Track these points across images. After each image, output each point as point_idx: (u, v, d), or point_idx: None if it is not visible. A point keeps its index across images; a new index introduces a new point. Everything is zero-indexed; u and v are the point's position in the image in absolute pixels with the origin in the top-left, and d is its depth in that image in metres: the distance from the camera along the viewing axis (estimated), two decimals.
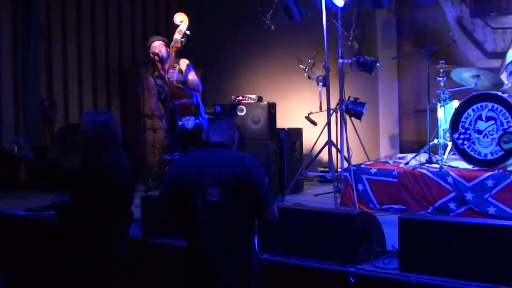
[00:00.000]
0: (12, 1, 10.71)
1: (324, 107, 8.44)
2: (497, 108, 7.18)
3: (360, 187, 7.84)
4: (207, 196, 4.00)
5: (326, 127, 8.24)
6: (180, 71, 7.67)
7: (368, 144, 9.45)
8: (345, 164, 8.16)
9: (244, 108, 9.09)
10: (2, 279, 7.15)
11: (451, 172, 7.24)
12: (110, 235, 4.74)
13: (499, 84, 7.72)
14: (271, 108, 9.17)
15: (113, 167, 4.71)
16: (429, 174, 7.41)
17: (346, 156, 8.15)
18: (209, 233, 4.02)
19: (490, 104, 7.25)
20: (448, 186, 7.22)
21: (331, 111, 8.30)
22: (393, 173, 7.67)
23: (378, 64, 8.57)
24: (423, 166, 7.63)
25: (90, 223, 4.65)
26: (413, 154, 8.25)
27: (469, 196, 7.04)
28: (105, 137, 4.80)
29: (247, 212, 4.09)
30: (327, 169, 8.82)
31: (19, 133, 10.65)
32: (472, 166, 7.38)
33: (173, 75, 7.55)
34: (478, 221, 5.23)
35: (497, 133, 7.16)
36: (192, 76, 7.82)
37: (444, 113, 7.92)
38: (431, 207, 7.29)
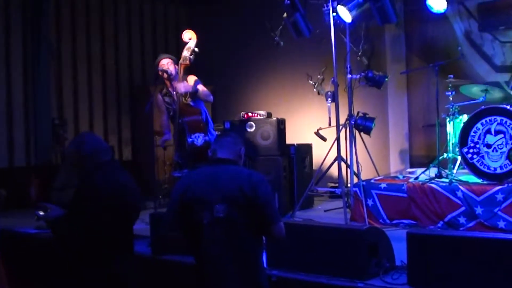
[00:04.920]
0: (23, 22, 10.79)
1: (333, 122, 8.45)
2: (506, 121, 7.17)
3: (370, 202, 7.83)
4: (213, 212, 4.01)
5: (336, 142, 8.25)
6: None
7: (379, 159, 9.46)
8: (355, 180, 8.16)
9: (254, 124, 9.09)
10: None
11: (460, 187, 7.22)
12: (109, 254, 4.67)
13: (507, 98, 7.72)
14: (281, 124, 9.17)
15: (101, 187, 4.61)
16: (439, 189, 7.38)
17: (356, 171, 8.15)
18: (216, 249, 4.02)
19: (499, 118, 7.24)
20: (457, 201, 7.19)
21: (340, 127, 8.32)
22: (403, 188, 7.66)
23: (387, 79, 8.58)
24: (432, 181, 7.61)
25: (84, 243, 4.59)
26: (423, 169, 8.23)
27: (479, 210, 7.01)
28: (91, 158, 4.74)
29: (254, 229, 4.09)
30: (337, 185, 8.81)
31: (30, 152, 10.70)
32: (482, 180, 7.35)
33: (180, 88, 7.56)
34: (488, 236, 5.19)
35: (506, 146, 7.15)
36: (201, 87, 7.84)
37: (453, 128, 7.93)
38: (441, 222, 7.27)
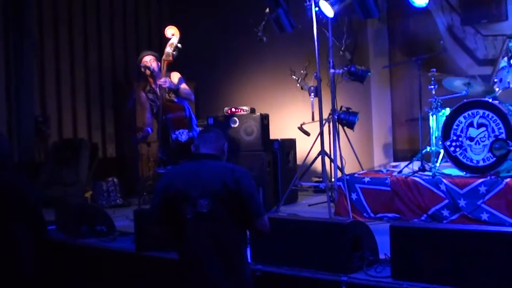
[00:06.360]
0: (5, 16, 10.69)
1: (317, 117, 8.46)
2: (488, 115, 7.20)
3: (354, 196, 7.85)
4: (197, 207, 4.00)
5: (319, 137, 8.26)
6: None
7: (362, 153, 9.50)
8: (339, 174, 8.17)
9: (237, 120, 9.08)
10: None
11: (443, 180, 7.25)
12: None
13: (490, 91, 7.75)
14: (264, 119, 9.17)
15: None
16: (422, 182, 7.41)
17: (340, 165, 8.17)
18: (200, 244, 4.02)
19: (481, 111, 7.27)
20: (441, 194, 7.22)
21: (324, 121, 8.32)
22: (386, 181, 7.68)
23: (369, 73, 8.61)
24: (416, 174, 7.63)
25: None
26: (406, 162, 8.26)
27: (462, 203, 7.04)
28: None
29: (238, 223, 4.09)
30: (321, 179, 8.83)
31: (13, 149, 10.61)
32: (465, 173, 7.38)
33: (166, 82, 7.56)
34: (471, 228, 5.21)
35: (488, 139, 7.18)
36: (183, 86, 7.84)
37: (436, 121, 7.94)
38: (425, 215, 7.30)
